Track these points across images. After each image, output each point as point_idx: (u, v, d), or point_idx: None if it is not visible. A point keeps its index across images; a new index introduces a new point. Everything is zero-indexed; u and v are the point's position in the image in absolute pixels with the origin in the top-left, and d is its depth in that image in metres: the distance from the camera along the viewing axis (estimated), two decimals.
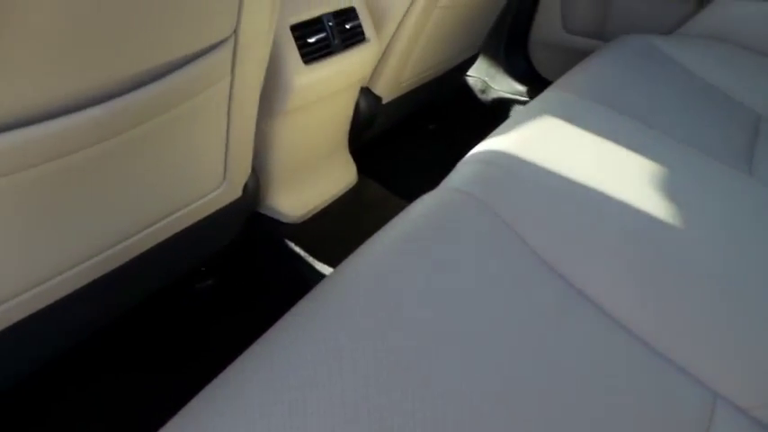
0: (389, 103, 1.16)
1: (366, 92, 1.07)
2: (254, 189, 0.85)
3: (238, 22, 0.59)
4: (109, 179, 0.58)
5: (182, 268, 0.85)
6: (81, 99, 0.48)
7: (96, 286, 0.68)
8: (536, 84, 1.56)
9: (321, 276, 0.91)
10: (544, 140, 0.71)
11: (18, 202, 0.50)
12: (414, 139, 1.54)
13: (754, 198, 0.75)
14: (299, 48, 0.79)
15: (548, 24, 1.48)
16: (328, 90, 0.88)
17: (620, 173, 0.68)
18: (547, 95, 0.87)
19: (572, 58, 1.47)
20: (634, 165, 0.72)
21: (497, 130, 0.76)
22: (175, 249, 0.78)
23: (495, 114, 1.58)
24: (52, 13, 0.39)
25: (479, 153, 0.69)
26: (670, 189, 0.69)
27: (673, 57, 1.16)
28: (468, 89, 1.62)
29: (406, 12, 0.96)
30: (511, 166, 0.65)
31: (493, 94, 1.60)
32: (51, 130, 0.47)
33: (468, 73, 1.62)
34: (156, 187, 0.66)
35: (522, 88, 1.57)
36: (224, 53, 0.60)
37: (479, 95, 1.61)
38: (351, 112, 1.04)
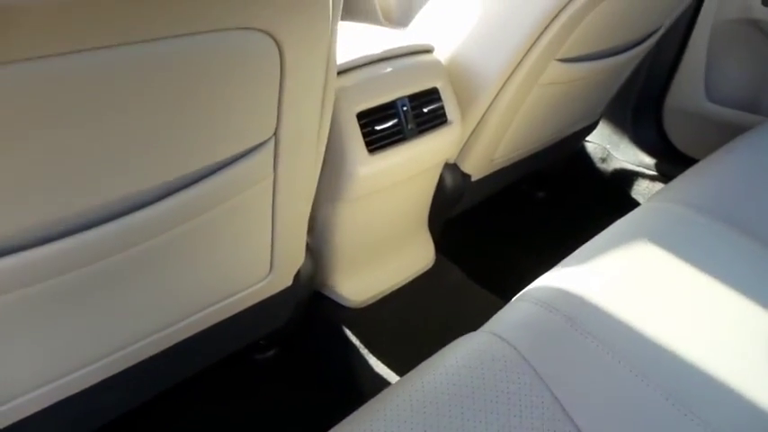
0: (481, 180, 1.06)
1: (453, 168, 0.98)
2: (309, 275, 0.81)
3: (278, 125, 0.55)
4: (146, 279, 0.58)
5: (234, 346, 0.84)
6: (113, 209, 0.48)
7: (137, 369, 0.68)
8: (668, 156, 1.36)
9: (370, 373, 0.84)
10: (627, 281, 0.57)
11: (50, 304, 0.50)
12: (517, 208, 1.42)
13: None
14: (365, 136, 0.74)
15: (688, 91, 1.28)
16: (399, 177, 0.81)
17: (724, 346, 0.52)
18: (656, 206, 0.72)
19: (715, 131, 1.25)
20: (750, 313, 0.55)
21: (578, 251, 0.63)
22: (224, 332, 0.77)
23: (614, 187, 1.40)
24: (83, 131, 0.39)
25: (538, 288, 0.57)
26: None
27: None
28: (585, 156, 1.46)
29: (500, 90, 0.87)
30: (574, 314, 0.52)
31: (615, 164, 1.42)
32: (86, 240, 0.47)
33: (587, 138, 1.46)
34: (197, 282, 0.65)
35: (650, 160, 1.37)
36: (263, 155, 0.57)
37: (599, 164, 1.44)
38: (431, 192, 0.96)
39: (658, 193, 0.77)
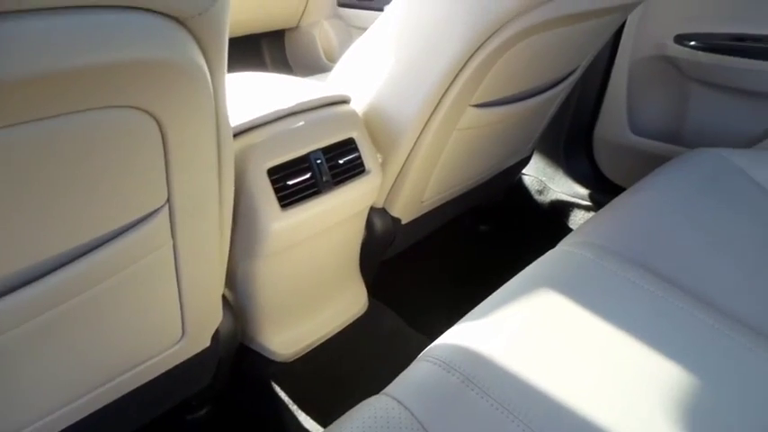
0: (413, 222, 1.07)
1: (381, 212, 0.99)
2: (230, 334, 0.79)
3: (170, 193, 0.54)
4: (51, 349, 0.56)
5: (158, 410, 0.81)
6: (8, 282, 0.47)
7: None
8: (600, 186, 1.39)
9: (299, 430, 0.81)
10: (529, 334, 0.57)
11: None
12: (459, 243, 1.43)
13: None
14: (278, 191, 0.73)
15: (613, 124, 1.32)
16: (317, 229, 0.81)
17: (623, 401, 0.53)
18: (565, 250, 0.73)
19: (641, 161, 1.30)
20: (665, 370, 0.56)
21: (484, 303, 0.63)
22: (145, 397, 0.74)
23: (552, 218, 1.42)
24: None
25: (440, 346, 0.57)
26: (708, 399, 0.53)
27: (755, 177, 0.96)
28: (523, 189, 1.49)
29: (419, 137, 0.88)
30: (472, 373, 0.52)
31: (552, 196, 1.45)
32: None
33: (523, 171, 1.49)
34: (106, 349, 0.63)
35: (584, 191, 1.41)
36: (159, 223, 0.56)
37: (536, 197, 1.47)
38: (359, 238, 0.96)
39: (570, 235, 0.79)
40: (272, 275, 0.82)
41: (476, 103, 0.89)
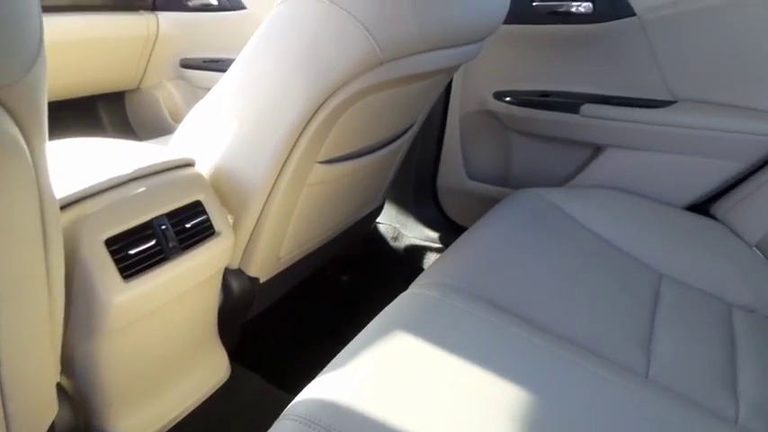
0: (272, 280, 1.05)
1: (237, 273, 0.96)
2: (69, 426, 0.70)
3: None
4: None
5: None
6: None
7: None
8: (448, 229, 1.51)
9: None
10: (385, 378, 0.60)
11: None
12: (322, 296, 1.43)
13: (648, 409, 0.65)
14: (118, 262, 0.69)
15: (452, 172, 1.45)
16: (166, 298, 0.77)
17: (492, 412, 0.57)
18: (414, 293, 0.78)
19: (480, 204, 1.43)
20: (502, 399, 0.61)
21: (342, 354, 0.65)
22: None
23: (408, 264, 1.50)
24: None
25: (301, 402, 0.57)
26: (546, 414, 0.58)
27: (568, 212, 1.11)
28: (379, 237, 1.55)
29: (269, 195, 0.88)
30: (333, 425, 0.53)
31: (406, 242, 1.53)
32: None
33: (378, 220, 1.56)
34: None
35: (434, 234, 1.51)
36: None
37: (392, 243, 1.54)
38: (215, 302, 0.93)
39: (419, 278, 0.84)
40: (116, 354, 0.75)
41: (322, 159, 0.93)
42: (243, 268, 0.97)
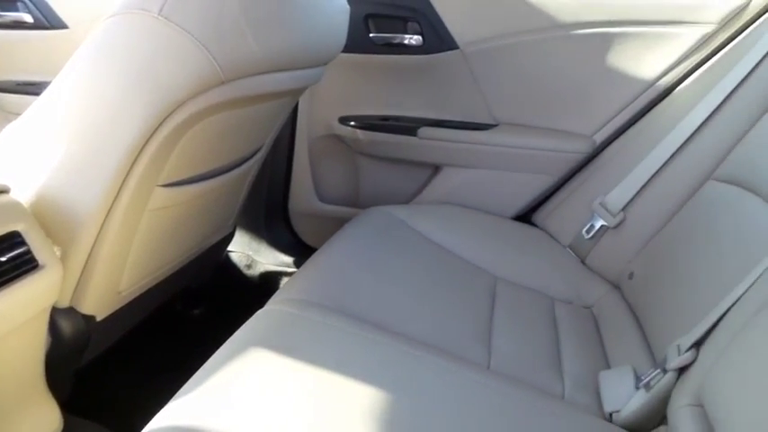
0: (111, 317, 0.96)
1: (68, 312, 0.87)
2: None
3: None
4: None
5: None
6: None
7: None
8: (302, 253, 1.51)
9: None
10: (245, 396, 0.58)
11: None
12: (173, 332, 1.34)
13: (492, 402, 0.71)
14: None
15: (303, 195, 1.47)
16: None
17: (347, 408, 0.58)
18: (269, 310, 0.77)
19: (332, 224, 1.46)
20: (358, 399, 0.63)
21: (196, 376, 0.62)
22: None
23: (263, 291, 1.47)
24: None
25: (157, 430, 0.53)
26: (395, 418, 0.61)
27: (413, 226, 1.18)
28: (232, 266, 1.50)
29: (104, 223, 0.82)
30: None
31: (260, 268, 1.50)
32: None
33: (230, 248, 1.51)
34: None
35: (289, 259, 1.50)
36: None
37: (245, 271, 1.50)
38: (41, 347, 0.82)
39: (275, 295, 0.84)
40: None
41: (164, 182, 0.88)
42: (75, 306, 0.87)
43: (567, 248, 1.24)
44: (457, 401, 0.68)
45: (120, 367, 1.16)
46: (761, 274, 0.66)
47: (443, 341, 0.82)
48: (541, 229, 1.33)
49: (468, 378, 0.74)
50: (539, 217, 1.36)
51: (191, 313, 1.44)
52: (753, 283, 0.66)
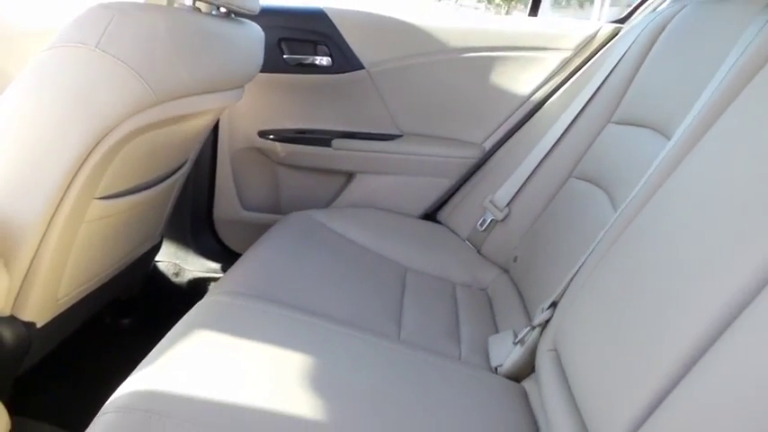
0: (51, 323, 1.02)
1: (9, 320, 0.92)
2: None
3: None
4: None
5: None
6: None
7: None
8: (229, 259, 1.60)
9: None
10: (192, 369, 0.70)
11: None
12: (102, 344, 1.39)
13: (402, 364, 0.86)
14: None
15: (227, 204, 1.57)
16: None
17: (283, 380, 0.71)
18: (204, 304, 0.88)
19: (256, 230, 1.57)
20: (293, 366, 0.76)
21: (149, 357, 0.72)
22: None
23: (192, 298, 1.54)
24: None
25: (122, 397, 0.64)
26: (324, 379, 0.75)
27: (331, 227, 1.33)
28: (160, 275, 1.57)
29: (44, 234, 0.89)
30: (155, 408, 0.61)
31: (188, 276, 1.58)
32: None
33: (158, 258, 1.58)
34: None
35: (216, 266, 1.59)
36: None
37: (174, 279, 1.57)
38: None
39: (210, 289, 0.95)
40: None
41: (101, 195, 0.97)
42: (16, 314, 0.94)
43: (466, 241, 1.44)
44: (374, 366, 0.83)
45: (58, 374, 1.21)
46: (597, 243, 0.86)
47: (361, 320, 0.97)
48: (444, 225, 1.52)
49: (383, 347, 0.89)
50: (442, 215, 1.55)
51: (120, 324, 1.49)
52: (591, 251, 0.86)
